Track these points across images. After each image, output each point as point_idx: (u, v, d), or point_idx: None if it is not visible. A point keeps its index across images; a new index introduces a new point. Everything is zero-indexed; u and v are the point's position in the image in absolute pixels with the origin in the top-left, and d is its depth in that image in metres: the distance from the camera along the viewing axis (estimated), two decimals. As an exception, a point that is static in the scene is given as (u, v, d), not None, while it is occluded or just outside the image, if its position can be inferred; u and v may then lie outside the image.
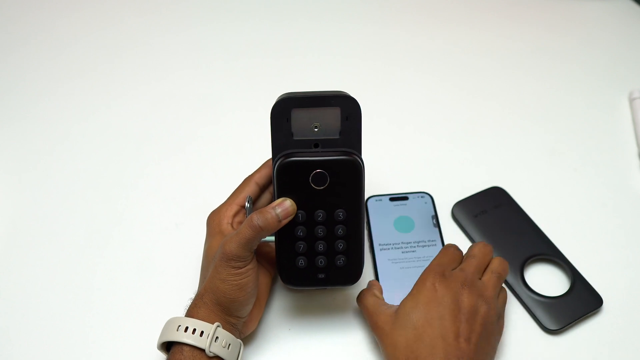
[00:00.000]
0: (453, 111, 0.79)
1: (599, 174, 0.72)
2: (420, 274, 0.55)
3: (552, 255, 0.63)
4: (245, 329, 0.54)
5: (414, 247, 0.62)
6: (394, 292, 0.59)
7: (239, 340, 0.52)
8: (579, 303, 0.59)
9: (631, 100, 0.79)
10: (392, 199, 0.67)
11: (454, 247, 0.58)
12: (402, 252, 0.62)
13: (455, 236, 0.65)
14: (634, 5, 0.94)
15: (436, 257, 0.56)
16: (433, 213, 0.65)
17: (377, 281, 0.59)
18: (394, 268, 0.61)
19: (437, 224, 0.65)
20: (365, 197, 0.62)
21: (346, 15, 0.93)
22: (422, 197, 0.67)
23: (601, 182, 0.71)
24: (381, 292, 0.57)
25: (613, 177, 0.71)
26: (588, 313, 0.58)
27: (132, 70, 0.84)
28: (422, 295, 0.52)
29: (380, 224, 0.64)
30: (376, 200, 0.66)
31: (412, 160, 0.73)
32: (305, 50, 0.87)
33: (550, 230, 0.65)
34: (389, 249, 0.62)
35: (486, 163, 0.73)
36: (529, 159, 0.73)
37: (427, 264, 0.57)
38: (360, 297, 0.57)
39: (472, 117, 0.78)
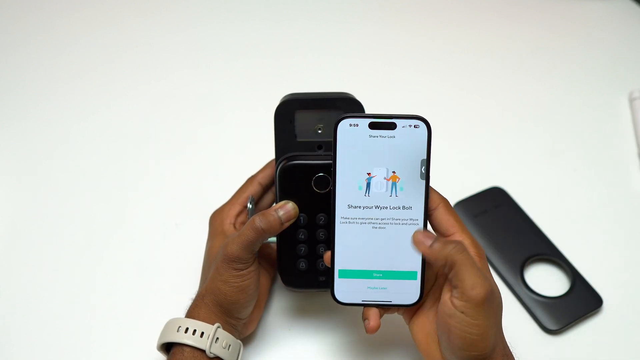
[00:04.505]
0: (453, 111, 0.79)
1: (599, 174, 0.72)
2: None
3: (552, 255, 0.63)
4: (245, 329, 0.54)
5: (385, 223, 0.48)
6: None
7: (239, 341, 0.52)
8: (578, 303, 0.59)
9: (631, 100, 0.79)
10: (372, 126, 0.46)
11: None
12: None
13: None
14: (634, 5, 0.94)
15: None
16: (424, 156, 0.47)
17: None
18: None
19: (427, 174, 0.47)
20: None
21: (346, 15, 0.93)
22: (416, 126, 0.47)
23: (601, 182, 0.71)
24: None
25: (613, 177, 0.71)
26: (588, 313, 0.58)
27: (132, 70, 0.84)
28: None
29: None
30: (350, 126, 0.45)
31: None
32: (305, 50, 0.87)
33: (550, 230, 0.65)
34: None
35: (486, 163, 0.73)
36: (528, 159, 0.73)
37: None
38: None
39: (471, 117, 0.78)
